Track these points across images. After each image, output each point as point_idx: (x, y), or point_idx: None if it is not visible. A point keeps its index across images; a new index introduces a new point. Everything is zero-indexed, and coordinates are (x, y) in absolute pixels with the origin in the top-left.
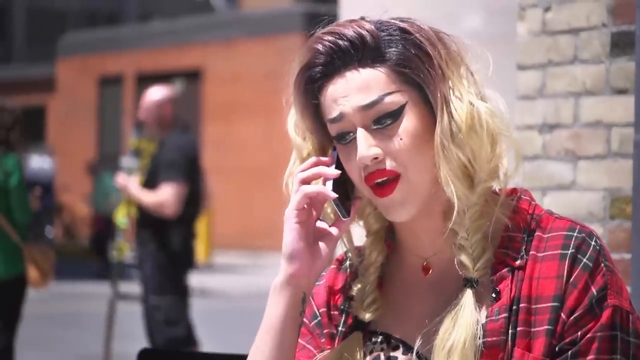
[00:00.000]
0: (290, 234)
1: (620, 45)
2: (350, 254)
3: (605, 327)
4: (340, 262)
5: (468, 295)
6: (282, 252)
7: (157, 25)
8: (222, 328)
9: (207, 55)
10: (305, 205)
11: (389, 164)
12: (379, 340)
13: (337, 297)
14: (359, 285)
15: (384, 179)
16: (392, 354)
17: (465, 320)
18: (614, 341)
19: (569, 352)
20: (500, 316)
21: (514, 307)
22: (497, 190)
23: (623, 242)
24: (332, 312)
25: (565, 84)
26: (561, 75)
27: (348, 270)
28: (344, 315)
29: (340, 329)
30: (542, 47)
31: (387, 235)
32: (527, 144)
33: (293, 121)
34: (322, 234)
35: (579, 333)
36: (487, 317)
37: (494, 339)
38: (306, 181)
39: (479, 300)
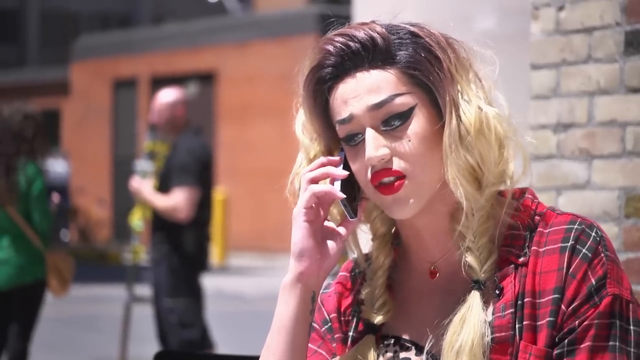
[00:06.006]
0: (299, 232)
1: (634, 44)
2: (357, 259)
3: (603, 314)
4: (349, 268)
5: (475, 297)
6: (291, 251)
7: (171, 28)
8: (237, 330)
9: (221, 58)
10: (314, 205)
11: (396, 165)
12: (391, 343)
13: (347, 302)
14: (368, 289)
15: (390, 178)
16: (404, 355)
17: (473, 321)
18: (612, 329)
19: (566, 340)
20: (506, 312)
21: (519, 302)
22: (502, 192)
23: (639, 240)
24: (342, 318)
25: (579, 83)
26: (575, 74)
27: (357, 276)
28: (354, 320)
29: (351, 333)
30: (556, 46)
31: (393, 241)
32: (541, 144)
33: (301, 122)
34: (330, 234)
35: (577, 322)
36: (493, 313)
37: (502, 334)
38: (314, 181)
39: (484, 298)
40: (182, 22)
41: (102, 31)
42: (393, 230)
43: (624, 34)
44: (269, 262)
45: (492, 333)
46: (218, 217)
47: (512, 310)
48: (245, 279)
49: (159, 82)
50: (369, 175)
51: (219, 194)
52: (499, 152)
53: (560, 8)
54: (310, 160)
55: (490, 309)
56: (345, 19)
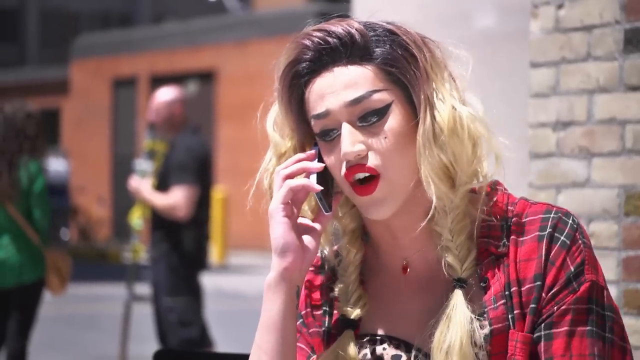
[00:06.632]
0: (279, 227)
1: (634, 41)
2: (326, 255)
3: (581, 300)
4: (315, 265)
5: (458, 296)
6: (272, 248)
7: (171, 27)
8: (237, 328)
9: (220, 56)
10: (290, 201)
11: (371, 161)
12: (378, 339)
13: (316, 298)
14: (341, 285)
15: (364, 174)
16: (394, 352)
17: (459, 320)
18: (589, 314)
19: (542, 324)
20: (498, 303)
21: (507, 293)
22: (473, 189)
23: (638, 238)
24: (314, 313)
25: (579, 81)
26: (574, 72)
27: (325, 272)
28: (327, 316)
29: (325, 328)
30: (555, 44)
31: (363, 237)
32: (541, 142)
33: (272, 118)
34: (305, 230)
35: (555, 307)
36: (484, 307)
37: (500, 325)
38: (290, 177)
39: (470, 292)
40: (182, 21)
41: (102, 30)
42: (362, 224)
43: (623, 32)
44: (268, 260)
45: (490, 325)
46: (218, 216)
47: (503, 301)
48: (245, 277)
49: (158, 81)
50: (344, 170)
51: (218, 192)
52: (472, 151)
53: (560, 6)
54: (280, 157)
55: (478, 303)
56: (346, 16)
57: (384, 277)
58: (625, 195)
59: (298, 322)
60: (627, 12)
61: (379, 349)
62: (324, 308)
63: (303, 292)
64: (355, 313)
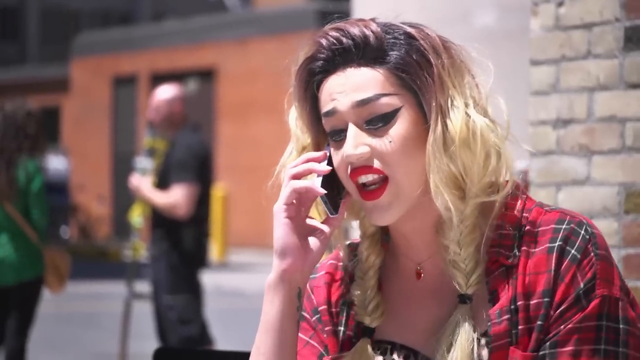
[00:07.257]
0: (280, 228)
1: (634, 39)
2: (344, 258)
3: (589, 317)
4: (338, 258)
5: (462, 312)
6: (274, 249)
7: (171, 25)
8: (237, 326)
9: (221, 54)
10: (295, 201)
11: (377, 164)
12: (388, 348)
13: (336, 295)
14: (358, 290)
15: (369, 176)
16: None
17: (461, 338)
18: (598, 331)
19: (548, 342)
20: (502, 318)
21: (512, 307)
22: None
23: (638, 236)
24: (332, 310)
25: (579, 79)
26: (575, 70)
27: (345, 271)
28: (344, 315)
29: (341, 328)
30: (556, 42)
31: (383, 237)
32: (541, 140)
33: (295, 114)
34: (313, 231)
35: (562, 326)
36: (488, 320)
37: (500, 342)
38: (297, 177)
39: (476, 305)
40: (182, 19)
41: (102, 28)
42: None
43: (623, 30)
44: (268, 258)
45: (490, 343)
46: (218, 214)
47: (507, 316)
48: (245, 275)
49: (159, 79)
50: (348, 171)
51: (219, 190)
52: (483, 163)
53: (560, 4)
54: (301, 151)
55: (484, 316)
56: (345, 15)
57: (399, 282)
58: (626, 193)
59: (314, 318)
60: (627, 9)
61: (387, 356)
62: (342, 307)
63: (323, 287)
64: (372, 322)
